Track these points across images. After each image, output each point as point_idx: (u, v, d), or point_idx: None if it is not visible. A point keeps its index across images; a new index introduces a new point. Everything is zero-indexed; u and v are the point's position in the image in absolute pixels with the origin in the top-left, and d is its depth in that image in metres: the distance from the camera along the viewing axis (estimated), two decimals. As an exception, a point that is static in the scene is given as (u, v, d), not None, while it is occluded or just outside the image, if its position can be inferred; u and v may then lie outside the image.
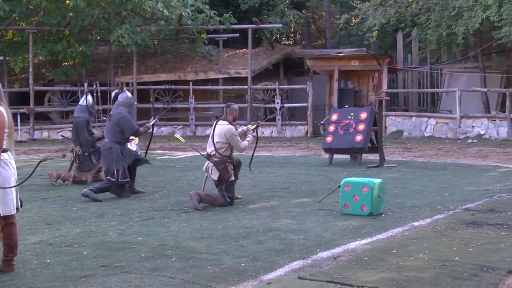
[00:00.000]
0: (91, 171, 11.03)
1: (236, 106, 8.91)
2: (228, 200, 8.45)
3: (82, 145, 10.97)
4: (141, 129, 9.67)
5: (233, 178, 8.57)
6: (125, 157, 9.40)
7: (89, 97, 11.45)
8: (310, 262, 5.57)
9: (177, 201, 8.95)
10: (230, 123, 8.60)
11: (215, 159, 8.49)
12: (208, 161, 8.62)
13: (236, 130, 8.69)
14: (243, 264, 5.49)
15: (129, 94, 9.98)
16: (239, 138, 8.61)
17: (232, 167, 8.60)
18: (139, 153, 15.61)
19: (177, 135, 10.07)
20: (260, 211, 8.05)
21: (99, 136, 11.07)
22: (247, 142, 8.81)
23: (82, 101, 11.45)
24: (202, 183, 9.16)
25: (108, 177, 9.33)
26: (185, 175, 12.02)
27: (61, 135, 17.17)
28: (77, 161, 10.94)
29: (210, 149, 8.63)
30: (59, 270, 5.36)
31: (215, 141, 8.53)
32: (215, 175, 8.50)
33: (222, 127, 8.56)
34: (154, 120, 10.13)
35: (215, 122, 8.79)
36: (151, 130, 10.08)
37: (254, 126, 9.30)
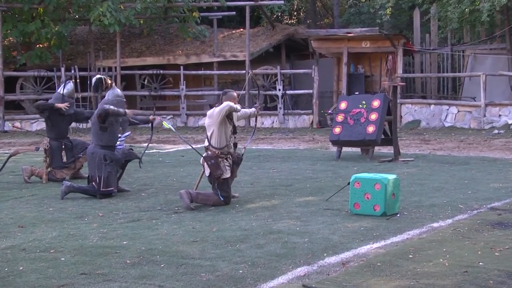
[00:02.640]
0: (67, 170, 10.99)
1: (234, 92, 8.87)
2: (222, 199, 8.43)
3: (51, 138, 10.94)
4: (128, 111, 9.66)
5: (226, 175, 8.46)
6: (109, 163, 9.30)
7: (70, 85, 11.32)
8: (316, 269, 5.58)
9: (167, 200, 8.96)
10: None
11: (206, 153, 8.52)
12: (205, 153, 8.63)
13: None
14: (240, 271, 5.50)
15: (118, 91, 9.87)
16: (237, 106, 8.63)
17: (226, 163, 8.51)
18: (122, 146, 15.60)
19: (165, 123, 9.96)
20: (259, 211, 8.06)
21: (62, 106, 10.94)
22: (247, 110, 9.05)
23: (60, 89, 11.42)
24: (197, 179, 9.13)
25: (92, 183, 9.31)
26: (175, 171, 12.03)
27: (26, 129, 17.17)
28: (45, 156, 10.89)
29: (206, 142, 8.66)
30: (33, 278, 5.36)
31: (207, 129, 8.54)
32: (206, 171, 8.49)
33: (213, 109, 8.61)
34: (153, 112, 10.20)
35: (211, 110, 8.77)
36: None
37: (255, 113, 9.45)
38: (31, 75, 23.80)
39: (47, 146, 10.92)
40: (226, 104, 8.45)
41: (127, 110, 9.62)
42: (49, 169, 10.89)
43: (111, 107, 9.35)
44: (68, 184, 9.19)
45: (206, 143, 8.58)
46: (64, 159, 11.03)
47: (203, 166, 8.59)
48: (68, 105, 11.05)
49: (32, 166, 11.03)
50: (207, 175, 8.48)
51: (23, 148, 10.99)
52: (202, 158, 8.62)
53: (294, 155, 14.42)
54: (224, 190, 8.44)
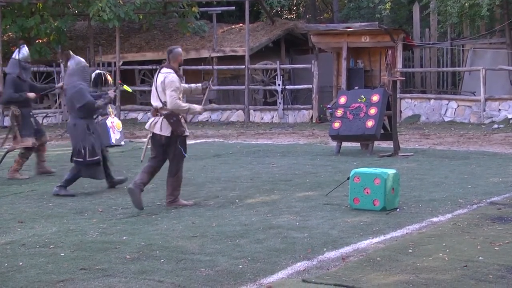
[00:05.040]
0: (35, 140, 10.79)
1: (180, 49, 8.37)
2: (185, 155, 8.20)
3: (2, 102, 10.71)
4: (99, 101, 9.37)
5: (187, 133, 8.21)
6: (93, 133, 9.24)
7: (25, 50, 11.04)
8: (315, 263, 5.58)
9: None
10: (176, 72, 8.12)
11: (165, 111, 8.02)
12: (153, 117, 8.14)
13: (180, 82, 8.17)
14: (240, 266, 5.50)
15: (79, 58, 9.66)
16: (177, 92, 8.03)
17: (184, 121, 8.22)
18: (122, 142, 15.59)
19: (125, 86, 9.85)
20: (259, 207, 8.06)
21: (31, 96, 10.85)
22: (186, 105, 8.14)
23: (14, 54, 11.25)
24: (143, 149, 8.92)
25: (74, 159, 9.19)
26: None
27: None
28: (15, 123, 10.77)
29: (155, 102, 8.13)
30: (33, 273, 5.36)
31: (159, 92, 8.05)
32: (166, 131, 8.00)
33: (164, 74, 8.07)
34: (115, 87, 9.86)
35: (158, 70, 8.29)
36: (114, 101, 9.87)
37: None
38: (31, 71, 23.75)
39: (18, 113, 10.75)
40: (172, 89, 7.97)
41: (97, 102, 9.37)
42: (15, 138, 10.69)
43: (98, 102, 9.35)
44: (58, 188, 9.06)
45: (158, 105, 8.08)
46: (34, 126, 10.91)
47: (154, 129, 8.07)
48: (35, 95, 11.00)
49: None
50: (167, 134, 8.00)
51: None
52: (149, 121, 8.15)
53: (293, 150, 14.41)
54: (185, 149, 8.18)
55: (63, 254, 5.92)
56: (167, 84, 7.99)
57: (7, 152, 11.27)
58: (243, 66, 23.66)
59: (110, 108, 15.60)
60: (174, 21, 27.23)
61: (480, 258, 5.63)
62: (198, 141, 17.18)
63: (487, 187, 9.20)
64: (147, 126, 8.29)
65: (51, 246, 6.21)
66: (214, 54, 24.83)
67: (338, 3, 32.20)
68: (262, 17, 29.70)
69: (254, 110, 23.49)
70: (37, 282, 5.16)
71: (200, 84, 8.83)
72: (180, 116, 8.11)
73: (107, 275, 5.31)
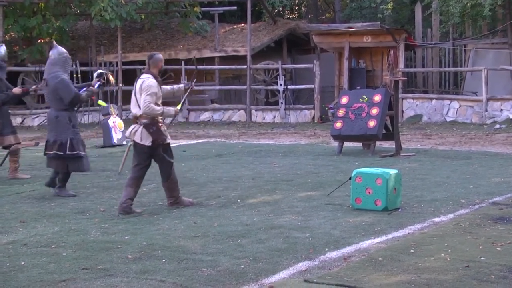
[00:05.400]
0: (15, 137, 10.73)
1: (160, 55, 8.20)
2: (172, 161, 8.14)
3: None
4: (83, 94, 9.20)
5: (169, 140, 8.08)
6: (73, 126, 9.04)
7: (3, 48, 10.89)
8: (317, 263, 5.58)
9: (168, 195, 8.95)
10: (155, 77, 7.90)
11: (144, 120, 7.83)
12: (133, 125, 7.95)
13: (159, 89, 7.91)
14: (242, 266, 5.50)
15: (61, 49, 9.38)
16: (153, 97, 7.77)
17: (165, 128, 8.06)
18: (124, 142, 15.57)
19: (100, 101, 9.71)
20: (261, 206, 8.06)
21: (17, 92, 10.78)
22: (161, 109, 7.88)
23: None
24: (123, 157, 8.81)
25: (55, 152, 8.95)
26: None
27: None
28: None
29: (135, 109, 7.94)
30: (35, 273, 5.36)
31: (138, 99, 7.85)
32: (146, 140, 7.83)
33: (142, 80, 7.88)
34: (99, 82, 9.46)
35: (138, 76, 8.13)
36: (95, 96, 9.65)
37: (178, 106, 8.60)
38: (33, 70, 23.77)
39: None
40: (148, 93, 7.76)
41: (82, 94, 9.17)
42: None
43: (83, 94, 9.18)
44: (58, 190, 9.01)
45: (137, 113, 7.88)
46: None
47: (134, 137, 7.90)
48: (21, 90, 10.96)
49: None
50: (149, 144, 7.83)
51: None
52: (129, 129, 7.96)
53: (295, 150, 14.41)
54: (169, 153, 8.11)
55: (65, 254, 5.93)
56: (143, 88, 7.78)
57: (9, 153, 11.27)
58: (245, 66, 23.65)
59: (112, 108, 15.61)
60: (176, 21, 27.23)
61: (482, 258, 5.63)
62: (200, 141, 17.18)
63: (489, 187, 9.19)
64: (127, 134, 8.12)
65: (53, 246, 6.21)
66: (216, 54, 24.83)
67: (340, 3, 32.18)
68: (264, 17, 29.70)
69: (256, 110, 23.48)
70: (39, 281, 5.16)
71: (182, 85, 8.68)
72: (160, 124, 7.92)
73: (109, 275, 5.31)
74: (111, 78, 10.04)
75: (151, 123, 7.84)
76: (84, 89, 9.39)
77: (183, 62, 23.87)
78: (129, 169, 8.64)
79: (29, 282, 5.15)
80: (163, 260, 5.68)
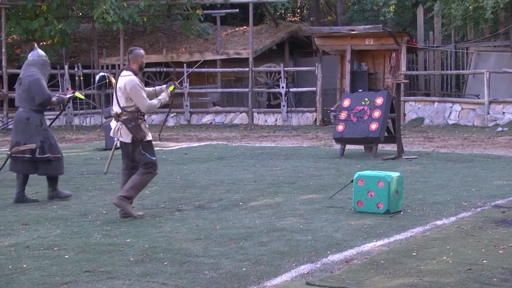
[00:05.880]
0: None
1: (141, 50, 7.89)
2: (154, 159, 7.73)
3: None
4: (54, 98, 8.94)
5: (149, 137, 7.72)
6: (45, 130, 8.83)
7: None
8: (319, 266, 5.58)
9: (170, 198, 8.97)
10: (135, 73, 7.66)
11: (124, 117, 7.60)
12: (115, 123, 7.73)
13: (142, 84, 7.72)
14: (244, 269, 5.50)
15: (41, 51, 9.24)
16: (143, 93, 7.62)
17: (147, 125, 7.80)
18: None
19: (77, 93, 9.47)
20: (263, 209, 8.06)
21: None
22: (157, 101, 7.78)
23: None
24: (109, 157, 8.60)
25: (24, 155, 8.75)
26: (179, 168, 12.03)
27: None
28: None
29: (116, 108, 7.70)
30: (37, 276, 5.36)
31: (118, 97, 7.63)
32: (126, 137, 7.60)
33: (123, 78, 7.61)
34: (72, 95, 9.27)
35: (118, 74, 7.85)
36: (65, 104, 9.25)
37: (171, 89, 8.22)
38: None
39: None
40: (138, 94, 7.56)
41: (53, 97, 8.93)
42: None
43: (54, 98, 8.90)
44: (53, 193, 8.92)
45: (118, 111, 7.66)
46: None
47: (118, 135, 7.68)
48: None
49: None
50: (128, 141, 7.61)
51: (24, 146, 10.92)
52: (113, 128, 7.74)
53: (297, 152, 14.41)
54: (151, 152, 7.74)
55: (67, 256, 5.93)
56: (130, 91, 7.51)
57: (10, 154, 11.26)
58: (247, 69, 23.68)
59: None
60: (178, 23, 27.26)
61: (484, 261, 5.62)
62: (202, 143, 17.19)
63: (491, 190, 9.19)
64: (111, 133, 7.83)
65: (55, 248, 6.22)
66: (218, 57, 24.85)
67: (342, 5, 32.22)
68: (266, 20, 29.74)
69: (257, 113, 23.51)
70: (41, 284, 5.17)
71: (164, 86, 8.36)
72: (140, 121, 7.65)
73: (111, 277, 5.31)
74: (113, 80, 10.01)
75: (130, 119, 7.60)
76: (57, 94, 9.19)
77: (185, 65, 23.88)
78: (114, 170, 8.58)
79: (31, 284, 5.16)
80: (165, 263, 5.68)
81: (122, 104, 7.61)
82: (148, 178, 7.76)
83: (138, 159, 7.69)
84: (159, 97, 7.89)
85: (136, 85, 7.54)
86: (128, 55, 7.79)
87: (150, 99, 7.75)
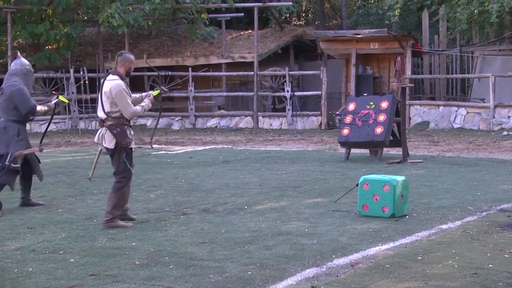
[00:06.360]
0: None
1: (131, 55, 7.67)
2: (131, 170, 7.51)
3: None
4: (40, 107, 8.77)
5: (133, 145, 7.54)
6: (22, 140, 8.68)
7: None
8: (324, 270, 5.58)
9: (175, 201, 8.97)
10: (122, 78, 7.43)
11: (109, 122, 7.37)
12: (100, 129, 7.51)
13: (128, 89, 7.48)
14: (249, 272, 5.50)
15: (24, 60, 9.05)
16: (128, 98, 7.38)
17: (132, 132, 7.56)
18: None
19: (61, 97, 9.28)
20: (268, 213, 8.06)
21: None
22: (140, 108, 7.56)
23: None
24: (93, 165, 8.45)
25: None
26: (184, 172, 12.04)
27: None
28: None
29: (100, 113, 7.44)
30: (42, 279, 5.37)
31: (103, 101, 7.37)
32: (110, 143, 7.38)
33: (109, 82, 7.38)
34: (57, 100, 9.05)
35: (104, 77, 7.64)
36: (52, 111, 9.00)
37: (156, 93, 8.04)
38: (40, 77, 23.82)
39: None
40: (123, 99, 7.33)
41: (38, 106, 8.74)
42: None
43: (39, 107, 8.73)
44: (24, 199, 8.78)
45: (103, 116, 7.42)
46: None
47: (102, 141, 7.47)
48: None
49: None
50: (111, 146, 7.39)
51: (27, 149, 10.94)
52: (97, 134, 7.54)
53: (302, 156, 14.41)
54: (131, 161, 7.52)
55: (72, 260, 5.94)
56: (115, 96, 7.28)
57: (13, 158, 11.26)
58: (252, 73, 23.70)
59: None
60: (183, 27, 27.31)
61: (489, 265, 5.62)
62: (207, 147, 17.20)
63: (496, 194, 9.17)
64: (95, 139, 7.65)
65: (61, 252, 6.23)
66: (223, 60, 24.87)
67: (347, 9, 32.22)
68: (271, 24, 29.76)
69: (263, 117, 23.52)
70: (47, 287, 5.18)
71: (151, 92, 8.18)
72: (126, 127, 7.43)
73: (117, 281, 5.32)
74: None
75: (115, 124, 7.37)
76: (41, 103, 9.06)
77: (190, 69, 23.91)
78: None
79: (37, 288, 5.17)
80: (171, 267, 5.69)
81: (107, 109, 7.36)
82: (125, 190, 7.53)
83: (116, 167, 7.47)
84: (142, 104, 7.68)
85: (122, 90, 7.32)
86: (116, 57, 7.59)
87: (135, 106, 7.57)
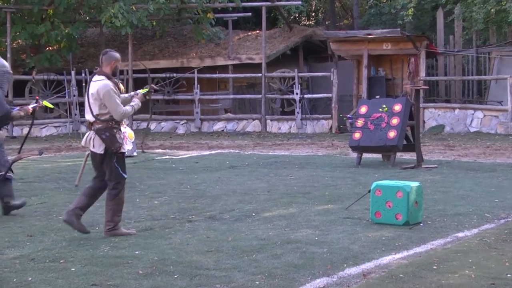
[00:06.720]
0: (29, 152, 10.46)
1: (116, 54, 7.57)
2: (125, 176, 7.41)
3: None
4: (14, 111, 8.57)
5: (124, 149, 7.41)
6: (1, 146, 8.62)
7: None
8: (335, 280, 5.56)
9: (180, 208, 8.97)
10: (109, 78, 7.32)
11: (97, 125, 7.26)
12: (88, 132, 7.42)
13: (118, 89, 7.39)
14: (257, 282, 5.49)
15: (4, 61, 8.92)
16: (117, 99, 7.29)
17: (122, 135, 7.42)
18: (135, 153, 15.57)
19: (45, 102, 9.13)
20: (276, 220, 8.05)
21: None
22: (130, 108, 7.48)
23: None
24: (80, 171, 8.34)
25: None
26: (189, 178, 12.04)
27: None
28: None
29: (88, 116, 7.34)
30: (42, 289, 5.38)
31: (90, 103, 7.26)
32: (99, 148, 7.27)
33: (96, 83, 7.27)
34: (36, 105, 8.83)
35: (90, 78, 7.51)
36: (32, 116, 8.78)
37: (145, 90, 7.93)
38: (41, 79, 23.92)
39: None
40: (112, 99, 7.23)
41: (13, 111, 8.51)
42: None
43: (14, 112, 8.50)
44: (3, 204, 8.67)
45: (90, 119, 7.32)
46: None
47: (89, 145, 7.36)
48: None
49: None
50: (101, 152, 7.28)
51: (26, 154, 10.96)
52: (84, 137, 7.44)
53: (312, 161, 14.40)
54: (123, 166, 7.39)
55: (73, 269, 5.94)
56: (104, 97, 7.18)
57: (12, 163, 11.30)
58: (260, 74, 23.72)
59: None
60: (189, 27, 27.37)
61: (508, 275, 5.59)
62: (213, 152, 17.21)
63: (515, 200, 9.15)
64: (82, 142, 7.54)
65: (61, 261, 6.23)
66: (230, 62, 24.90)
67: (359, 9, 32.22)
68: (280, 24, 29.78)
69: (271, 120, 23.52)
70: (47, 298, 5.19)
71: (139, 90, 8.05)
72: (115, 130, 7.31)
73: (119, 291, 5.32)
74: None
75: (104, 128, 7.25)
76: (17, 108, 8.95)
77: (195, 71, 23.93)
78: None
79: (36, 298, 5.17)
80: (175, 276, 5.68)
81: (95, 111, 7.24)
82: (121, 196, 7.38)
83: (109, 174, 7.34)
84: (132, 103, 7.58)
85: (110, 90, 7.22)
86: (101, 56, 7.46)
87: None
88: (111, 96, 7.21)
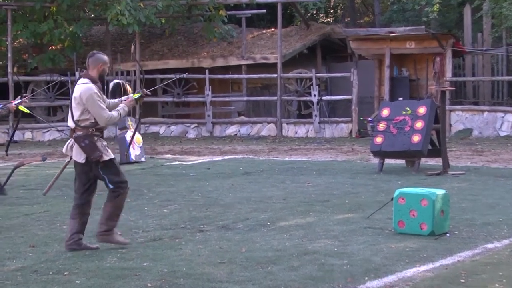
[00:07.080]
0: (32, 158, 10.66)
1: (104, 56, 7.49)
2: (112, 187, 7.31)
3: None
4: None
5: (108, 156, 7.24)
6: None
7: None
8: (356, 294, 5.57)
9: (191, 217, 8.99)
10: (94, 81, 7.21)
11: (78, 132, 7.19)
12: (69, 140, 7.38)
13: (102, 93, 7.29)
14: (272, 296, 5.50)
15: None
16: (101, 103, 7.18)
17: (104, 143, 7.32)
18: (143, 158, 15.61)
19: (21, 107, 9.04)
20: (293, 230, 8.05)
21: None
22: (117, 113, 7.38)
23: None
24: (52, 180, 8.31)
25: None
26: (200, 185, 12.07)
27: None
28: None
29: (69, 121, 7.30)
30: (46, 302, 5.41)
31: (73, 108, 7.19)
32: (80, 157, 7.19)
33: (79, 86, 7.17)
34: (20, 101, 8.87)
35: (75, 82, 7.47)
36: (17, 113, 8.79)
37: (137, 95, 7.88)
38: (43, 80, 24.03)
39: None
40: (96, 104, 7.15)
41: None
42: None
43: None
44: None
45: (71, 124, 7.25)
46: None
47: (71, 153, 7.31)
48: None
49: None
50: (82, 161, 7.21)
51: (28, 159, 11.03)
52: (66, 144, 7.39)
53: (331, 167, 14.40)
54: (113, 173, 7.30)
55: (78, 282, 5.96)
56: (87, 101, 7.10)
57: (14, 169, 11.39)
58: (275, 75, 23.73)
59: (130, 121, 15.74)
60: (199, 25, 27.40)
61: (541, 289, 5.58)
62: (226, 157, 17.23)
63: (548, 209, 9.12)
64: (64, 149, 7.48)
65: (66, 273, 6.25)
66: (243, 62, 24.92)
67: (380, 5, 32.19)
68: (296, 21, 29.81)
69: (287, 124, 23.53)
70: (50, 312, 5.21)
71: (130, 95, 8.11)
72: (96, 138, 7.21)
73: (127, 305, 5.34)
74: (129, 88, 10.04)
75: (84, 136, 7.17)
76: (1, 105, 8.96)
77: (207, 71, 23.99)
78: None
79: (39, 312, 5.20)
80: (186, 289, 5.70)
81: (76, 116, 7.17)
82: (121, 200, 7.42)
83: (104, 182, 7.34)
84: (117, 108, 7.49)
85: (94, 94, 7.12)
86: (88, 59, 7.38)
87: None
88: (94, 101, 7.12)
